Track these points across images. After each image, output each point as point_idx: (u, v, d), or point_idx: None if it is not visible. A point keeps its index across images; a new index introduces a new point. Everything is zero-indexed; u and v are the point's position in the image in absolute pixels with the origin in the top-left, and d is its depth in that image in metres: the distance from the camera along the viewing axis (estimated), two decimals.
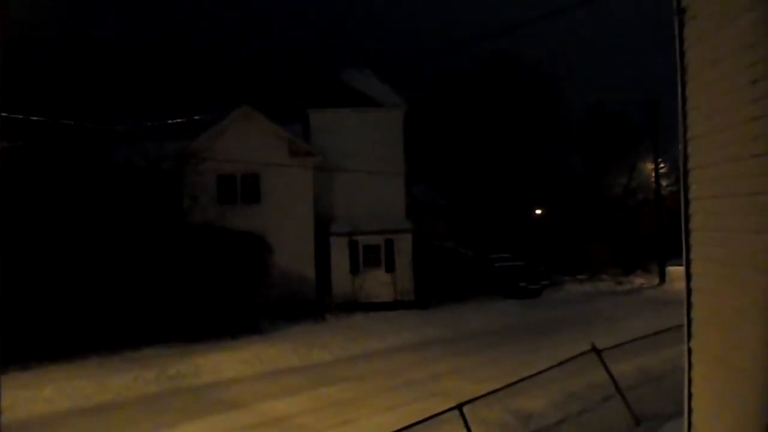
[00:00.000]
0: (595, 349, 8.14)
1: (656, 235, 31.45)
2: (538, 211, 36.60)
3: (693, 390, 3.73)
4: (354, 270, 21.28)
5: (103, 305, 13.29)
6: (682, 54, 3.78)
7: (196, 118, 19.01)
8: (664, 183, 32.87)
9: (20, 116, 12.21)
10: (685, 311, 3.85)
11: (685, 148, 3.78)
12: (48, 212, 13.16)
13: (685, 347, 3.85)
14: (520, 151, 35.57)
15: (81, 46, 20.75)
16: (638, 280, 31.06)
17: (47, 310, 12.33)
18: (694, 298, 3.73)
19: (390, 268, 21.50)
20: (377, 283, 21.25)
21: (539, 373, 7.43)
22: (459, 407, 5.96)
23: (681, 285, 4.14)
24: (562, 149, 39.23)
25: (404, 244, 21.62)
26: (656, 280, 30.21)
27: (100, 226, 14.17)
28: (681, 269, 4.25)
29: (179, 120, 17.89)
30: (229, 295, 15.31)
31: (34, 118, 12.76)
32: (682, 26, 3.78)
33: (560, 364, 7.76)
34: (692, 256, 3.76)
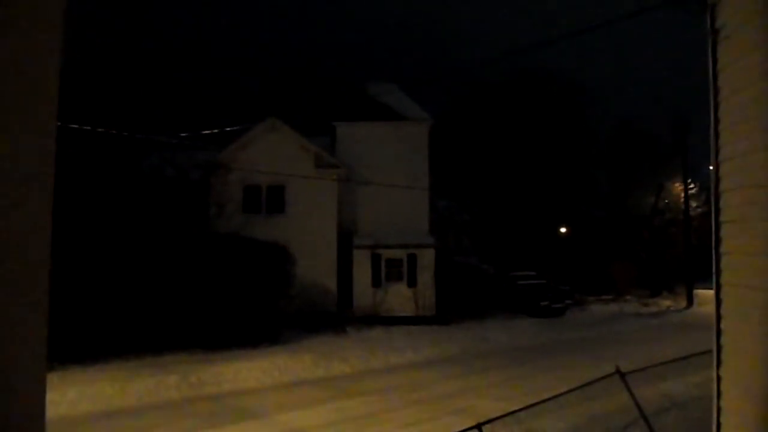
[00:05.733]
0: (619, 372, 7.96)
1: (684, 256, 30.83)
2: (563, 229, 36.19)
3: (722, 420, 3.62)
4: (376, 283, 21.26)
5: (126, 309, 13.48)
6: (716, 74, 3.72)
7: (229, 129, 19.30)
8: (693, 204, 32.27)
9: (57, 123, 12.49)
10: (714, 337, 3.75)
11: (717, 169, 3.70)
12: (77, 217, 13.43)
13: (714, 375, 3.75)
14: (546, 167, 35.32)
15: (110, 54, 21.23)
16: (665, 303, 30.42)
17: (73, 312, 12.54)
18: (723, 324, 3.64)
19: (412, 283, 21.43)
20: (399, 297, 21.19)
21: (561, 394, 7.29)
22: (478, 426, 5.87)
23: (709, 309, 4.04)
24: (589, 166, 38.85)
25: (427, 259, 21.55)
26: (683, 303, 29.56)
27: (128, 232, 14.41)
28: (709, 292, 4.15)
29: (208, 131, 18.19)
30: (252, 305, 15.41)
31: (72, 126, 13.07)
32: (715, 46, 3.72)
33: (583, 386, 7.61)
34: (722, 280, 3.66)
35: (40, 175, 0.68)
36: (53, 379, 11.02)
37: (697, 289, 29.01)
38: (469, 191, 34.22)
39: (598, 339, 18.46)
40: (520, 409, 6.74)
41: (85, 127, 13.88)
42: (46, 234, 0.68)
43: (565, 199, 35.77)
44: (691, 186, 32.23)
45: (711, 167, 3.81)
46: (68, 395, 10.08)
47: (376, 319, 20.04)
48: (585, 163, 38.35)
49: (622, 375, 7.96)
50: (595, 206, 38.03)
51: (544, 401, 7.07)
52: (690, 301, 29.38)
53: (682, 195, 31.90)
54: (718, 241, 3.71)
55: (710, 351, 3.95)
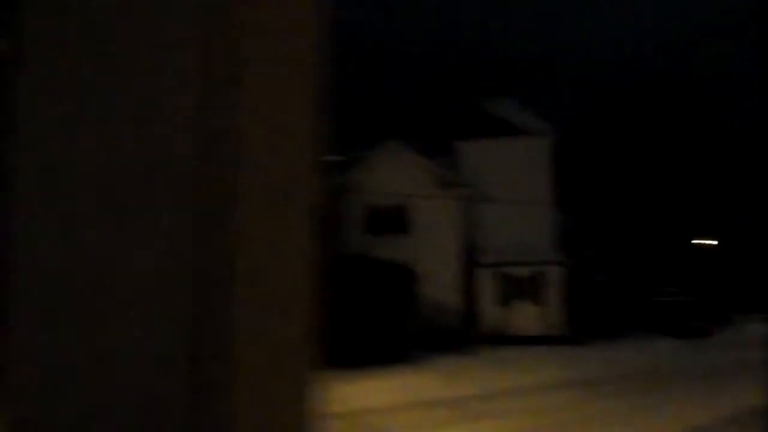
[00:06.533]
0: None
1: None
2: (711, 241, 33.19)
3: None
4: (501, 302, 20.91)
5: None
6: None
7: (352, 154, 20.21)
8: None
9: None
10: None
11: None
12: None
13: None
14: (684, 174, 32.74)
15: None
16: None
17: None
18: None
19: (539, 301, 20.80)
20: (525, 316, 20.66)
21: (704, 429, 6.73)
22: None
23: None
24: (734, 171, 35.42)
25: (553, 276, 20.83)
26: None
27: None
28: None
29: (333, 158, 19.13)
30: (379, 324, 15.79)
31: None
32: None
33: (738, 420, 6.97)
34: None
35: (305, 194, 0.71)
36: None
37: None
38: (597, 204, 32.59)
39: (752, 364, 16.68)
40: None
41: None
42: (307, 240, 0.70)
43: (711, 208, 32.88)
44: None
45: None
46: None
47: (502, 338, 19.67)
48: (730, 167, 35.01)
49: None
50: (744, 214, 34.53)
51: None
52: None
53: None
54: None
55: None
